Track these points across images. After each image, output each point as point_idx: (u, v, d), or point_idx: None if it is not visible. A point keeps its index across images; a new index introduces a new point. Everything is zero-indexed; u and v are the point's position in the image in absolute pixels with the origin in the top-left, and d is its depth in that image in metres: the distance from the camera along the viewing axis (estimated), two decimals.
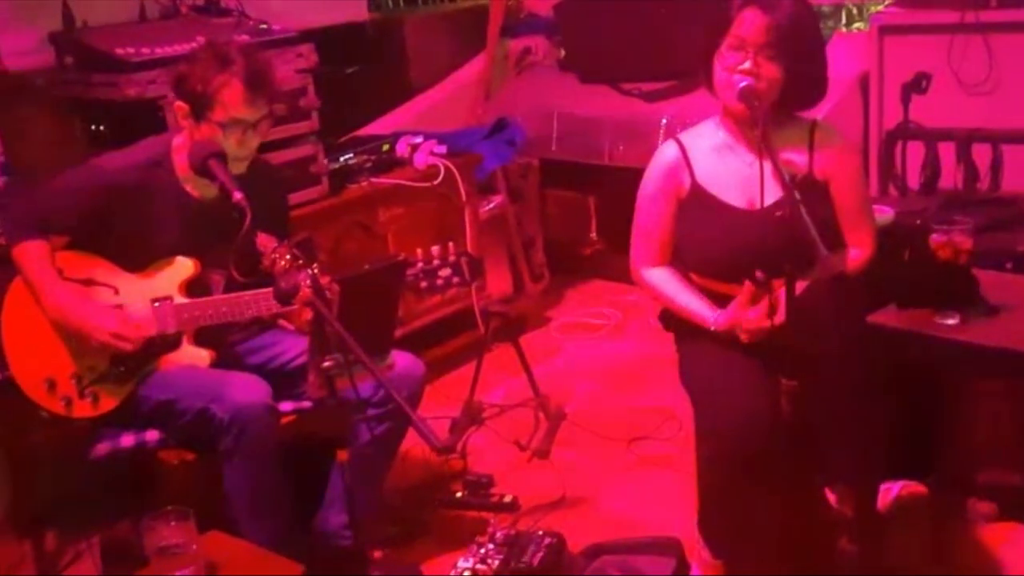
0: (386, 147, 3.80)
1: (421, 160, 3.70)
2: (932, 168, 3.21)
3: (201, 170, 2.17)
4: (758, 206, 2.23)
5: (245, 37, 3.13)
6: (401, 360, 2.47)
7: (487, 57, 4.74)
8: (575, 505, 2.91)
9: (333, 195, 3.41)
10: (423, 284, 2.43)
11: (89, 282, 2.36)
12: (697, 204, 2.32)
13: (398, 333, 3.59)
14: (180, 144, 2.37)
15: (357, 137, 4.06)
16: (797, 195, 1.84)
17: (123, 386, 2.35)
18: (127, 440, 2.35)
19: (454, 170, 3.70)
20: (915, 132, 3.24)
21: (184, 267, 2.38)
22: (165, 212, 2.37)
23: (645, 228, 2.41)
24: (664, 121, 3.89)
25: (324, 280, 1.89)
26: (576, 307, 4.36)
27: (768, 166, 2.14)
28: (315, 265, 1.89)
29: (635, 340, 3.95)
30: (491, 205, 4.10)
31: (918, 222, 1.99)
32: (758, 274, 2.01)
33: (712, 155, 2.32)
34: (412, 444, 3.24)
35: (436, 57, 4.69)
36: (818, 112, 3.57)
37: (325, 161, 3.37)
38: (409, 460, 3.18)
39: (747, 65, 2.18)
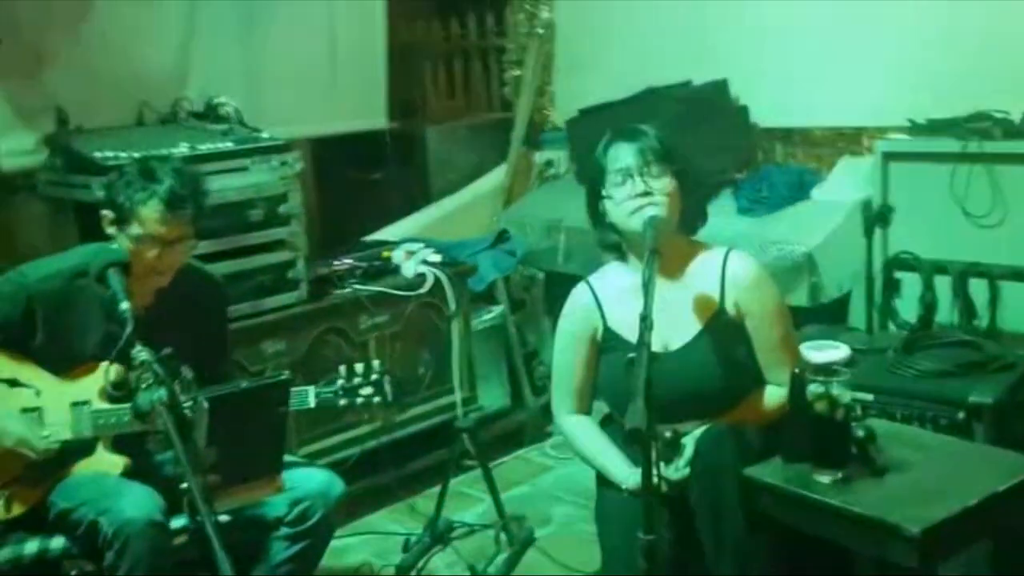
0: (386, 254, 3.81)
1: (410, 268, 3.68)
2: (927, 302, 3.04)
3: (98, 278, 2.17)
4: (672, 347, 2.16)
5: (228, 144, 3.20)
6: (317, 478, 2.40)
7: (509, 167, 4.75)
8: None
9: (312, 301, 3.40)
10: (342, 402, 2.40)
11: (12, 383, 2.36)
12: (611, 348, 2.26)
13: (372, 443, 3.54)
14: None
15: (363, 242, 4.08)
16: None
17: (34, 490, 2.33)
18: (30, 547, 2.30)
19: (443, 279, 3.67)
20: (909, 263, 3.07)
21: (107, 373, 2.37)
22: (91, 319, 2.37)
23: (562, 373, 2.36)
24: None
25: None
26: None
27: (683, 305, 2.08)
28: (176, 382, 1.85)
29: None
30: (490, 315, 4.04)
31: (796, 371, 1.83)
32: (667, 433, 1.92)
33: (623, 297, 2.23)
34: (362, 561, 3.17)
35: (457, 166, 4.72)
36: (816, 236, 3.46)
37: (304, 267, 3.37)
38: None
39: (640, 187, 2.12)
